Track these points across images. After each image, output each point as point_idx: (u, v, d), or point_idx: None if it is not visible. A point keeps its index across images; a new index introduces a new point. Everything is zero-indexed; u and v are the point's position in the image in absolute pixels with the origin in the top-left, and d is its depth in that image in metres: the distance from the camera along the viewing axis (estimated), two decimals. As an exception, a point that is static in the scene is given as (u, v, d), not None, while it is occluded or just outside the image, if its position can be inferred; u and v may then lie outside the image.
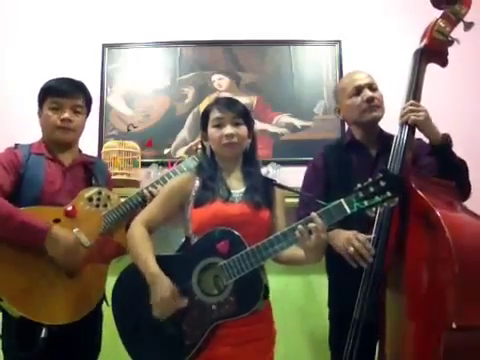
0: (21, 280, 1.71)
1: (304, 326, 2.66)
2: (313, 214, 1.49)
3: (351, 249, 1.66)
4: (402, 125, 1.81)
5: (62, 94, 1.87)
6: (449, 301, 1.46)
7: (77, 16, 2.96)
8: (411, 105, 1.80)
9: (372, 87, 1.96)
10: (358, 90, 1.96)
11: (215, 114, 1.72)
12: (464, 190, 1.84)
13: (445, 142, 1.79)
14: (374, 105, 1.94)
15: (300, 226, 1.50)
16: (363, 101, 1.94)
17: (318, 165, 2.03)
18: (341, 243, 1.72)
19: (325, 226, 1.49)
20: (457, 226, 1.53)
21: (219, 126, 1.70)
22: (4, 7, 2.99)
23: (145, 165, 2.73)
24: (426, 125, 1.79)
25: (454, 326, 1.42)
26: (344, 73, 2.85)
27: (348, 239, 1.69)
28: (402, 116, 1.81)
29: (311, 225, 1.48)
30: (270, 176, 2.47)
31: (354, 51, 2.88)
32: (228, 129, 1.69)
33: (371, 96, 1.93)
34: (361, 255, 1.67)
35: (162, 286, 1.58)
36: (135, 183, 2.67)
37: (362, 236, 1.69)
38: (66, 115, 1.87)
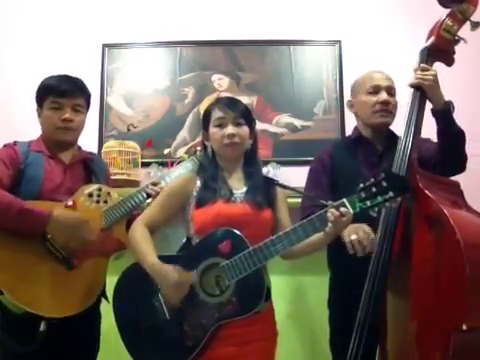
0: (21, 272, 1.71)
1: (304, 327, 2.66)
2: (344, 199, 1.49)
3: (354, 237, 1.66)
4: (413, 95, 1.84)
5: (62, 94, 1.87)
6: (458, 302, 1.45)
7: (77, 16, 2.95)
8: (421, 69, 1.83)
9: (390, 91, 1.98)
10: (376, 89, 1.97)
11: (217, 114, 1.72)
12: (460, 161, 1.88)
13: (446, 107, 1.82)
14: (387, 110, 1.96)
15: (333, 210, 1.49)
16: (377, 102, 1.96)
17: (325, 159, 2.04)
18: (348, 230, 1.70)
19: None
20: (466, 226, 1.52)
21: (221, 126, 1.70)
22: (5, 7, 2.98)
23: (145, 165, 2.72)
24: (431, 88, 1.81)
25: (464, 327, 1.41)
26: (344, 73, 2.87)
27: (356, 228, 1.69)
28: (412, 81, 1.84)
29: (343, 209, 1.48)
30: (270, 176, 2.47)
31: (354, 51, 2.88)
32: (230, 129, 1.69)
33: (387, 100, 1.95)
34: (361, 245, 1.67)
35: (166, 272, 1.58)
36: (135, 183, 2.66)
37: (369, 230, 1.69)
38: (67, 115, 1.87)
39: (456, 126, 1.85)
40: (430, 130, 1.88)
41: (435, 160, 1.86)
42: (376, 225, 1.73)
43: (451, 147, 1.84)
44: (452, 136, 1.83)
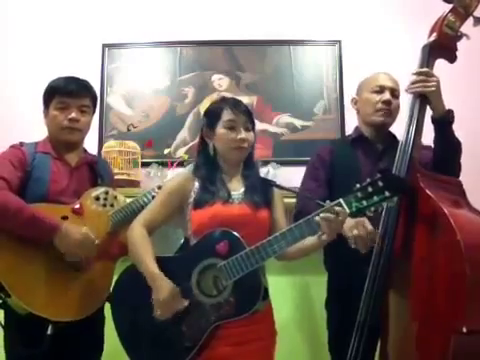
0: (28, 275, 1.72)
1: (304, 326, 2.66)
2: (340, 199, 1.49)
3: (355, 232, 1.65)
4: (413, 97, 1.81)
5: (69, 94, 1.87)
6: (458, 304, 1.44)
7: (77, 16, 2.95)
8: (421, 75, 1.79)
9: (394, 93, 1.99)
10: (381, 89, 1.99)
11: (228, 115, 1.71)
12: (454, 170, 1.86)
13: (447, 117, 1.80)
14: (388, 110, 1.97)
15: (327, 213, 1.48)
16: (380, 101, 1.97)
17: (324, 155, 2.05)
18: (349, 225, 1.69)
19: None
20: (467, 227, 1.50)
21: (232, 128, 1.70)
22: (5, 7, 2.99)
23: (145, 165, 2.72)
24: (434, 96, 1.79)
25: (464, 330, 1.40)
26: (344, 73, 2.87)
27: (357, 222, 1.67)
28: (411, 87, 1.81)
29: (338, 209, 1.48)
30: (270, 176, 2.47)
31: (354, 51, 2.87)
32: (242, 134, 1.69)
33: (389, 100, 1.96)
34: (363, 242, 1.66)
35: (162, 287, 1.59)
36: (135, 183, 2.66)
37: (369, 225, 1.67)
38: (73, 115, 1.87)
39: (454, 137, 1.84)
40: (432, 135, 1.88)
41: (430, 167, 1.84)
42: (377, 222, 1.72)
43: (446, 156, 1.83)
44: (449, 146, 1.83)
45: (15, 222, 1.71)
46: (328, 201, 1.52)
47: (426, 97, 1.80)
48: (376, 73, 2.07)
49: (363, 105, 2.04)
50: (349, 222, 1.65)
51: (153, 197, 1.90)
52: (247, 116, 1.72)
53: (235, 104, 1.74)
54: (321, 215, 1.49)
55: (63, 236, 1.73)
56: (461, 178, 1.82)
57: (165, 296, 1.58)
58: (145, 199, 1.93)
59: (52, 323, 1.71)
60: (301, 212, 1.73)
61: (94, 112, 2.02)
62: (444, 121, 1.81)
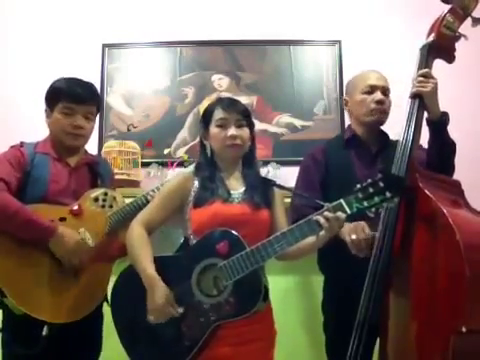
0: (25, 277, 1.72)
1: (304, 326, 2.65)
2: (341, 200, 1.49)
3: (354, 236, 1.67)
4: (412, 98, 1.81)
5: (76, 101, 1.86)
6: (458, 304, 1.44)
7: (77, 16, 2.95)
8: (421, 76, 1.80)
9: (385, 91, 1.99)
10: (372, 89, 1.98)
11: (219, 114, 1.72)
12: (448, 172, 1.87)
13: (442, 119, 1.81)
14: (381, 109, 1.96)
15: (327, 213, 1.49)
16: (373, 101, 1.96)
17: (318, 155, 2.04)
18: (347, 229, 1.71)
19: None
20: (466, 226, 1.50)
21: (223, 126, 1.70)
22: (4, 7, 2.99)
23: (145, 165, 2.72)
24: (430, 97, 1.79)
25: (464, 330, 1.40)
26: (344, 73, 2.86)
27: (355, 226, 1.69)
28: (411, 88, 1.82)
29: (339, 214, 1.48)
30: (270, 176, 2.47)
31: (354, 51, 2.88)
32: (232, 130, 1.69)
33: (382, 99, 1.96)
34: (361, 246, 1.68)
35: (158, 291, 1.58)
36: (135, 183, 2.66)
37: (368, 231, 1.69)
38: (79, 122, 1.87)
39: (449, 138, 1.84)
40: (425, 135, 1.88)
41: (423, 167, 1.85)
42: (376, 223, 1.72)
43: (441, 158, 1.84)
44: (443, 147, 1.83)
45: (12, 223, 1.71)
46: (327, 204, 1.52)
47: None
48: (364, 72, 2.07)
49: (355, 106, 2.03)
50: (347, 226, 1.65)
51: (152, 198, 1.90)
52: (240, 114, 1.72)
53: (228, 103, 1.75)
54: (321, 215, 1.50)
55: (58, 240, 1.74)
56: (460, 178, 1.81)
57: (160, 302, 1.57)
58: (144, 200, 1.92)
59: (48, 324, 1.71)
60: (298, 220, 1.71)
61: (97, 115, 2.03)
62: (439, 123, 1.81)
